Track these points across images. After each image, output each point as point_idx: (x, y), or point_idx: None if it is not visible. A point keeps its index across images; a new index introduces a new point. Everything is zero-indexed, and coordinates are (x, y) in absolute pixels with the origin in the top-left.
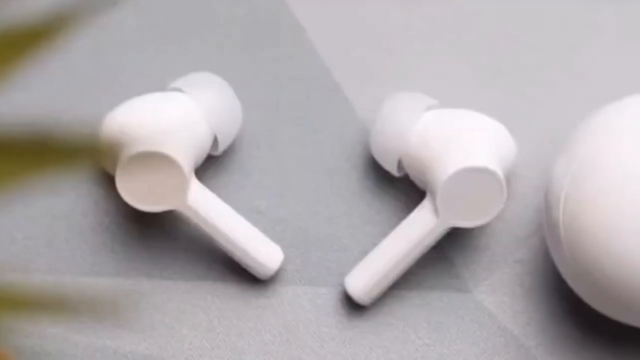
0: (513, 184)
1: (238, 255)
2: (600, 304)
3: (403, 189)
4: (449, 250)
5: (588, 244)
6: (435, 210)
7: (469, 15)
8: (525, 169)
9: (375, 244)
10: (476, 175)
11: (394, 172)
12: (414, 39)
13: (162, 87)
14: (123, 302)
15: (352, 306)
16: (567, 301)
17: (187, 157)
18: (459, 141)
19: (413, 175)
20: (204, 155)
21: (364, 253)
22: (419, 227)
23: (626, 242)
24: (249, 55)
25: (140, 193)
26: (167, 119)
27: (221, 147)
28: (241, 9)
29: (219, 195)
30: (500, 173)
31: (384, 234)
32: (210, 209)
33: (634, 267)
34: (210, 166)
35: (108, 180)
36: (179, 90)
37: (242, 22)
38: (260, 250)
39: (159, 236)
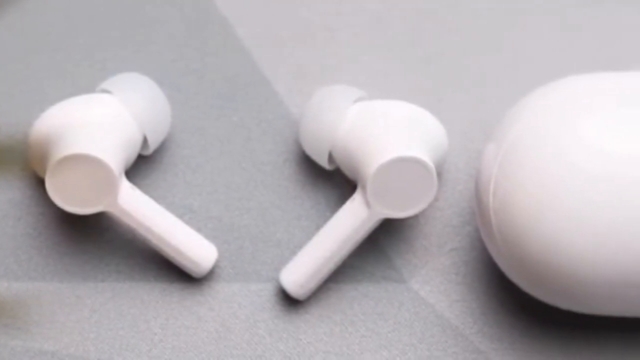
0: (445, 172)
1: (172, 255)
2: (533, 288)
3: (336, 182)
4: (384, 241)
5: (518, 229)
6: (366, 202)
7: (395, 4)
8: (457, 157)
9: (309, 238)
10: (405, 165)
11: (325, 165)
12: (341, 31)
13: (90, 89)
14: (59, 306)
15: (288, 301)
16: (503, 288)
17: (116, 158)
18: (388, 132)
19: (344, 168)
20: (134, 156)
21: (299, 247)
22: (351, 220)
23: (554, 226)
24: (176, 54)
25: (71, 196)
26: (96, 121)
27: (151, 147)
28: (169, 7)
29: (151, 195)
30: (430, 162)
31: (318, 228)
32: (141, 209)
33: (563, 250)
34: (141, 166)
35: (40, 184)
36: (107, 92)
37: (169, 21)
38: (194, 248)
39: (92, 238)
